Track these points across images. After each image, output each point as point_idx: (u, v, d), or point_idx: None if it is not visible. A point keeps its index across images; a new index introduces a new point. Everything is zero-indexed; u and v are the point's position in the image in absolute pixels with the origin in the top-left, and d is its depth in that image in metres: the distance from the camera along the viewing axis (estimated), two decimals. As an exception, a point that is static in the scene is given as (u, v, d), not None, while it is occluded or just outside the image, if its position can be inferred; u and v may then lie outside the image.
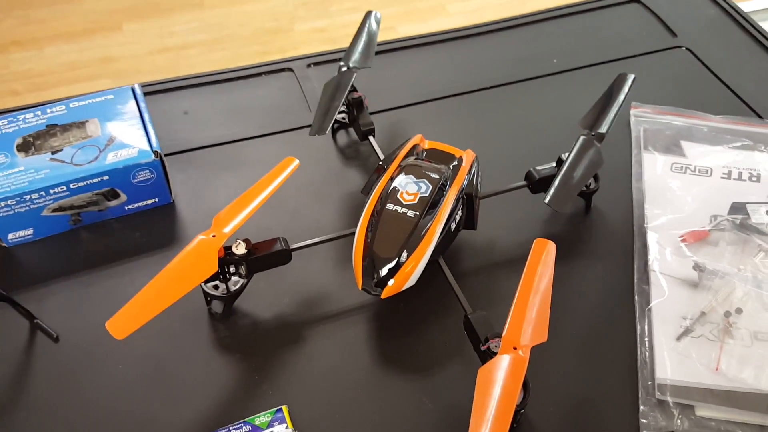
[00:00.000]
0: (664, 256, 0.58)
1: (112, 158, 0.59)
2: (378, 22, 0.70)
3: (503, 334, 0.46)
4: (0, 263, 0.59)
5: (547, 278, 0.48)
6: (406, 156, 0.58)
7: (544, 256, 0.49)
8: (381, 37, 0.71)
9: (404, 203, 0.54)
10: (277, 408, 0.49)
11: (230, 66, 0.78)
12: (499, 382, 0.43)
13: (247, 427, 0.47)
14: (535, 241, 0.50)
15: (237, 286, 0.54)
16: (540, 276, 0.48)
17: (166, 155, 0.62)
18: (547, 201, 0.55)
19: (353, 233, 0.54)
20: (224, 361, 0.53)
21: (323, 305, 0.57)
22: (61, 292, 0.58)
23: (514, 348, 0.45)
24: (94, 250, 0.61)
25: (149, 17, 2.17)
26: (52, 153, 0.59)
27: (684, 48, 0.80)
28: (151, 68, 2.00)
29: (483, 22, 0.83)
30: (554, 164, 0.60)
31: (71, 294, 0.57)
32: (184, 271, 0.49)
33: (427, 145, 0.60)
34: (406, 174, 0.56)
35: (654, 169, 0.65)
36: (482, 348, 0.48)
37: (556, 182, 0.56)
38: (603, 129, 0.60)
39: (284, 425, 0.48)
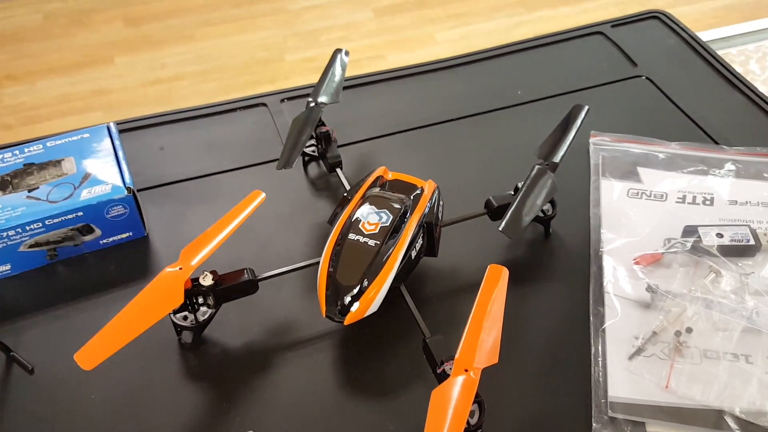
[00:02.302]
0: (617, 278, 0.60)
1: (86, 195, 0.62)
2: (346, 60, 0.73)
3: (455, 356, 0.48)
4: (-20, 298, 0.62)
5: (499, 302, 0.51)
6: (370, 187, 0.61)
7: (497, 282, 0.51)
8: (371, 66, 0.74)
9: (365, 233, 0.57)
10: (244, 434, 0.51)
11: (222, 97, 0.81)
12: (450, 402, 0.45)
13: (213, 452, 0.49)
14: (489, 266, 0.52)
15: (205, 317, 0.56)
16: (493, 301, 0.50)
17: (141, 190, 0.65)
18: (500, 228, 0.58)
19: (318, 263, 0.57)
20: (194, 389, 0.55)
21: (291, 333, 0.59)
22: (38, 325, 0.60)
23: (466, 370, 0.47)
24: (70, 283, 0.63)
25: (141, 50, 2.21)
26: (29, 191, 0.62)
27: (644, 77, 0.83)
28: (143, 100, 2.04)
29: (449, 57, 0.86)
30: (512, 192, 0.63)
31: (47, 327, 0.60)
32: (151, 303, 0.52)
33: (390, 176, 0.62)
34: (369, 204, 0.59)
35: (611, 195, 0.68)
36: (438, 371, 0.50)
37: (510, 210, 0.59)
38: (556, 158, 0.62)
39: (249, 451, 0.49)
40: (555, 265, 0.64)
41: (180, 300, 0.53)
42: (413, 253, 0.58)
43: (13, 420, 0.54)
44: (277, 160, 0.70)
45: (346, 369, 0.56)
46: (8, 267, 0.62)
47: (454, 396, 0.46)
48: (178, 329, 0.57)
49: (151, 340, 0.56)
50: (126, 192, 0.62)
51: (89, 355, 0.48)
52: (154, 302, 0.52)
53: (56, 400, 0.55)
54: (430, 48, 2.15)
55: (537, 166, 0.62)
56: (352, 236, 0.56)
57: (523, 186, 0.60)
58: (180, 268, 0.54)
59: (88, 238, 0.63)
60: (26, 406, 0.54)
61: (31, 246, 0.61)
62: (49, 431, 0.53)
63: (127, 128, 0.75)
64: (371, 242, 0.56)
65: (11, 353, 0.56)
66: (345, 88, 0.73)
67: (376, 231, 0.57)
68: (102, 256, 0.65)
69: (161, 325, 0.57)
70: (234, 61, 2.16)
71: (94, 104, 2.05)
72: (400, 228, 0.57)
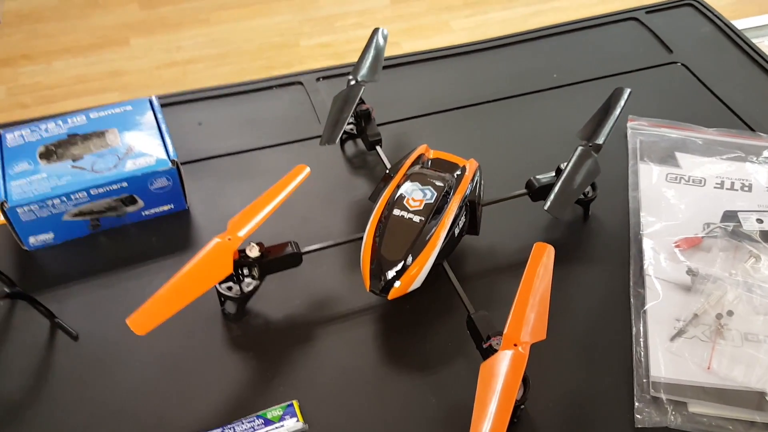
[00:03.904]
0: (658, 261, 0.61)
1: (130, 166, 0.62)
2: (385, 39, 0.73)
3: (504, 332, 0.48)
4: (21, 266, 0.62)
5: (546, 280, 0.51)
6: (412, 165, 0.61)
7: (543, 259, 0.52)
8: (387, 53, 0.74)
9: (410, 209, 0.57)
10: (289, 403, 0.51)
11: (237, 80, 0.81)
12: (500, 376, 0.46)
13: (260, 420, 0.50)
14: (534, 244, 0.53)
15: (250, 288, 0.56)
16: (539, 278, 0.51)
17: (181, 164, 0.65)
18: (546, 208, 0.58)
19: (361, 238, 0.57)
20: (237, 359, 0.56)
21: (332, 306, 0.59)
22: (80, 293, 0.60)
23: (515, 345, 0.47)
24: (112, 253, 0.63)
25: (156, 32, 2.21)
26: (73, 161, 0.62)
27: (679, 63, 0.83)
28: (158, 82, 2.04)
29: (486, 39, 0.86)
30: (553, 173, 0.63)
31: (90, 295, 0.60)
32: (202, 272, 0.52)
33: (432, 154, 0.63)
34: (412, 181, 0.59)
35: (650, 179, 0.68)
36: (484, 346, 0.50)
37: (555, 190, 0.59)
38: (600, 140, 0.62)
39: (295, 419, 0.50)
40: (595, 247, 0.64)
41: (229, 270, 0.53)
42: (456, 231, 0.58)
43: (58, 385, 0.54)
44: (315, 137, 0.71)
45: (388, 343, 0.57)
46: (51, 236, 0.62)
47: (503, 370, 0.46)
48: (223, 300, 0.57)
49: (195, 311, 0.57)
50: (170, 164, 0.63)
51: (142, 320, 0.49)
52: (204, 271, 0.52)
53: (100, 366, 0.55)
54: (446, 35, 2.15)
55: (580, 147, 0.62)
56: (396, 212, 0.57)
57: (566, 166, 0.61)
58: (229, 239, 0.54)
59: (130, 209, 0.64)
60: (71, 371, 0.55)
61: (74, 215, 0.62)
62: (93, 397, 0.53)
63: (165, 103, 0.75)
64: (416, 218, 0.56)
65: (56, 319, 0.57)
66: (383, 68, 0.73)
67: (421, 207, 0.57)
68: (143, 228, 0.65)
69: (204, 295, 0.58)
70: (249, 45, 2.16)
71: (110, 85, 2.05)
72: (443, 205, 0.57)
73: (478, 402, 0.45)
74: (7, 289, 0.56)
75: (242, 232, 0.54)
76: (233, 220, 0.56)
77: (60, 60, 2.15)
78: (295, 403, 0.51)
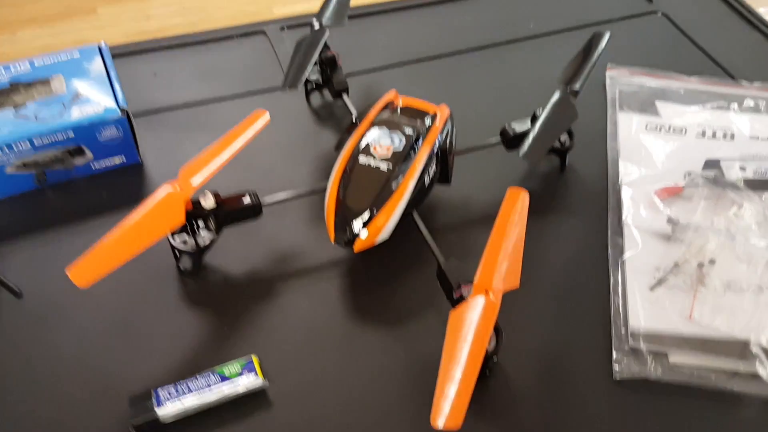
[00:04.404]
0: (638, 211, 0.58)
1: (77, 114, 0.58)
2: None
3: (475, 280, 0.45)
4: (-38, 223, 0.58)
5: (521, 226, 0.48)
6: (380, 112, 0.57)
7: (517, 204, 0.49)
8: (355, 2, 0.70)
9: (377, 157, 0.53)
10: (247, 358, 0.48)
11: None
12: (470, 324, 0.43)
13: (216, 376, 0.46)
14: (508, 189, 0.50)
15: (206, 242, 0.53)
16: (513, 223, 0.48)
17: (134, 116, 0.61)
18: (521, 154, 0.55)
19: (325, 188, 0.54)
20: (193, 315, 0.52)
21: (296, 261, 0.56)
22: (25, 249, 0.56)
23: (486, 292, 0.44)
24: (60, 209, 0.59)
25: (125, 1, 2.14)
26: (15, 109, 0.58)
27: (660, 13, 0.80)
28: (127, 53, 1.97)
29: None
30: (529, 121, 0.60)
31: (35, 252, 0.56)
32: (150, 222, 0.48)
33: (401, 101, 0.59)
34: (379, 128, 0.55)
35: (629, 129, 0.65)
36: (455, 296, 0.48)
37: (531, 135, 0.56)
38: (577, 85, 0.59)
39: (254, 374, 0.47)
40: (571, 197, 0.61)
41: (181, 220, 0.49)
42: (426, 180, 0.55)
43: (2, 345, 0.50)
44: (278, 89, 0.67)
45: (354, 298, 0.54)
46: (-7, 189, 0.58)
47: (474, 318, 0.43)
48: (178, 254, 0.54)
49: (147, 265, 0.53)
50: (119, 113, 0.58)
51: (84, 271, 0.45)
52: (153, 221, 0.48)
53: (45, 324, 0.51)
54: None
55: (557, 93, 0.58)
56: (362, 159, 0.53)
57: (542, 112, 0.57)
58: (181, 187, 0.50)
59: (79, 161, 0.59)
60: (14, 331, 0.51)
61: (18, 167, 0.58)
62: (37, 355, 0.50)
63: (118, 53, 0.71)
64: (383, 166, 0.53)
65: (-3, 276, 0.53)
66: (350, 17, 0.69)
67: (389, 155, 0.53)
68: (94, 182, 0.61)
69: (158, 249, 0.54)
70: (221, 13, 2.09)
71: (77, 55, 1.98)
72: (412, 152, 0.54)
73: (447, 352, 0.42)
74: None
75: (195, 181, 0.51)
76: (185, 167, 0.52)
77: (25, 30, 2.07)
78: (255, 358, 0.48)
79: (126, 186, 0.61)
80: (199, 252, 0.53)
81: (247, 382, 0.46)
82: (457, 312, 0.44)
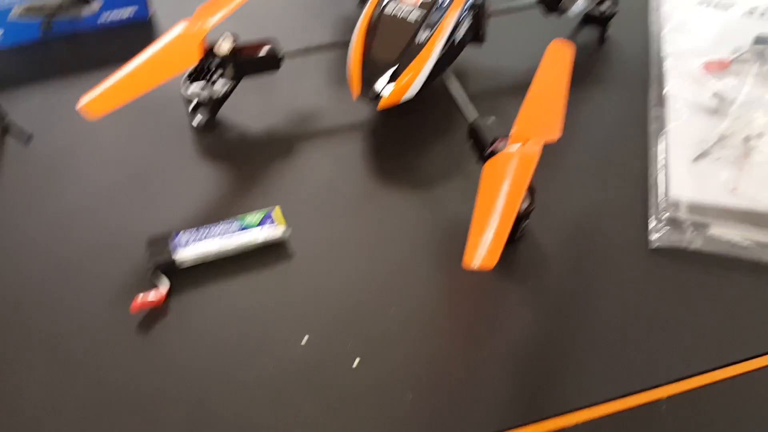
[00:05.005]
0: (682, 84, 0.54)
1: (85, -45, 0.54)
2: None
3: (512, 130, 0.42)
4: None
5: (563, 77, 0.44)
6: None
7: (561, 56, 0.45)
8: None
9: (406, 6, 0.50)
10: (270, 209, 0.45)
11: None
12: (508, 170, 0.40)
13: (238, 223, 0.44)
14: (552, 41, 0.46)
15: (222, 90, 0.50)
16: (556, 74, 0.44)
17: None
18: None
19: (349, 42, 0.50)
20: (210, 169, 0.49)
21: (316, 121, 0.53)
22: (33, 97, 0.53)
23: (525, 142, 0.41)
24: (67, 60, 0.56)
25: None
26: (19, -53, 0.54)
27: None
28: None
29: None
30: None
31: (43, 99, 0.53)
32: (165, 57, 0.45)
33: None
34: None
35: (675, 1, 0.61)
36: (487, 152, 0.44)
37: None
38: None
39: (275, 224, 0.44)
40: (610, 69, 0.57)
41: (195, 59, 0.46)
42: (458, 37, 0.51)
43: (8, 193, 0.48)
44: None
45: (378, 160, 0.51)
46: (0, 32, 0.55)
47: (511, 166, 0.40)
48: (193, 108, 0.50)
49: (161, 119, 0.50)
50: (130, -44, 0.54)
51: (95, 104, 0.42)
52: (168, 57, 0.45)
53: (54, 173, 0.49)
54: None
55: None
56: (390, 9, 0.49)
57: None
58: (197, 25, 0.46)
59: (85, 9, 0.56)
60: (23, 178, 0.49)
61: (23, 13, 0.54)
62: (46, 204, 0.47)
63: None
64: (412, 16, 0.49)
65: (7, 117, 0.50)
66: None
67: (417, 3, 0.50)
68: (101, 36, 0.57)
69: (172, 105, 0.51)
70: None
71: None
72: (444, 4, 0.50)
73: (481, 199, 0.39)
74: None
75: (212, 20, 0.47)
76: (201, 7, 0.48)
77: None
78: (277, 208, 0.45)
79: (134, 41, 0.56)
80: (216, 103, 0.50)
81: (268, 232, 0.44)
82: (493, 161, 0.41)
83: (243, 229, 0.44)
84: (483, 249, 0.36)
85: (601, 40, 0.59)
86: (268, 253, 0.44)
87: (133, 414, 0.37)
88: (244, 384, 0.38)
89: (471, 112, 0.48)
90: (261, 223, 0.44)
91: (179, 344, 0.40)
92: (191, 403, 0.37)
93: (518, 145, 0.41)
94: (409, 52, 0.48)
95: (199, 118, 0.51)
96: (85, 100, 0.42)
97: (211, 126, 0.51)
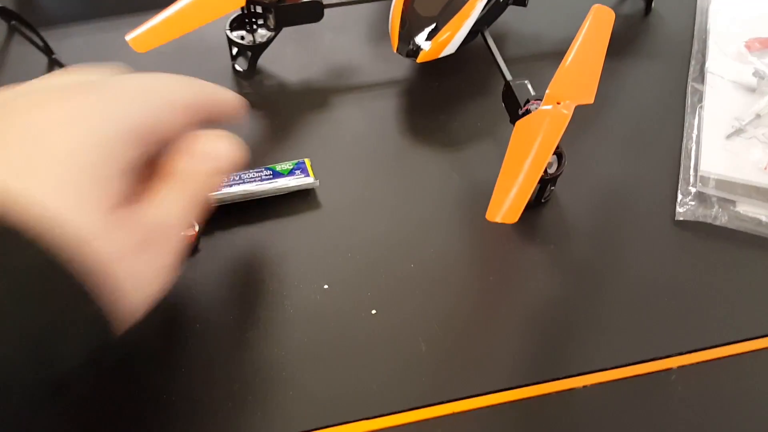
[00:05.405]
0: (723, 59, 0.54)
1: None
2: None
3: (546, 91, 0.43)
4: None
5: (602, 43, 0.44)
6: None
7: (601, 22, 0.45)
8: None
9: (451, -39, 0.50)
10: (300, 160, 0.47)
11: None
12: (538, 129, 0.40)
13: (268, 171, 0.45)
14: (593, 6, 0.46)
15: (264, 39, 0.51)
16: (594, 39, 0.44)
17: None
18: None
19: (391, -4, 0.50)
20: (247, 116, 0.51)
21: (353, 75, 0.54)
22: (80, 35, 0.55)
23: (558, 104, 0.42)
24: (113, 1, 0.57)
25: None
26: None
27: None
28: None
29: None
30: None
31: (90, 39, 0.55)
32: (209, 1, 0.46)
33: None
34: None
35: (724, -23, 0.60)
36: (521, 111, 0.45)
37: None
38: None
39: (305, 174, 0.46)
40: (652, 42, 0.57)
41: (241, 2, 0.47)
42: (500, -4, 0.51)
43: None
44: None
45: (411, 118, 0.52)
46: (49, -27, 0.56)
47: (543, 124, 0.41)
48: (235, 50, 0.52)
49: (203, 66, 0.52)
50: None
51: (143, 39, 0.43)
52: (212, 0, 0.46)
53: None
54: None
55: None
56: (435, -37, 0.50)
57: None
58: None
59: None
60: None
61: (74, -49, 0.55)
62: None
63: None
64: (456, -28, 0.49)
65: (53, 56, 0.52)
66: None
67: (463, -39, 0.50)
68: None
69: (214, 49, 0.53)
70: None
71: None
72: (489, -39, 0.50)
73: (509, 155, 0.40)
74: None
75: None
76: (250, -48, 0.49)
77: None
78: (307, 160, 0.47)
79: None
80: (257, 48, 0.51)
81: (298, 181, 0.45)
82: (524, 120, 0.41)
83: (274, 176, 0.45)
84: (507, 203, 0.37)
85: (647, 10, 0.58)
86: (296, 203, 0.45)
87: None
88: (263, 322, 0.40)
89: (506, 71, 0.48)
90: (291, 173, 0.45)
91: (206, 279, 0.42)
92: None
93: (550, 107, 0.41)
94: (452, 6, 0.48)
95: (241, 62, 0.52)
96: (134, 33, 0.44)
97: (251, 72, 0.52)
